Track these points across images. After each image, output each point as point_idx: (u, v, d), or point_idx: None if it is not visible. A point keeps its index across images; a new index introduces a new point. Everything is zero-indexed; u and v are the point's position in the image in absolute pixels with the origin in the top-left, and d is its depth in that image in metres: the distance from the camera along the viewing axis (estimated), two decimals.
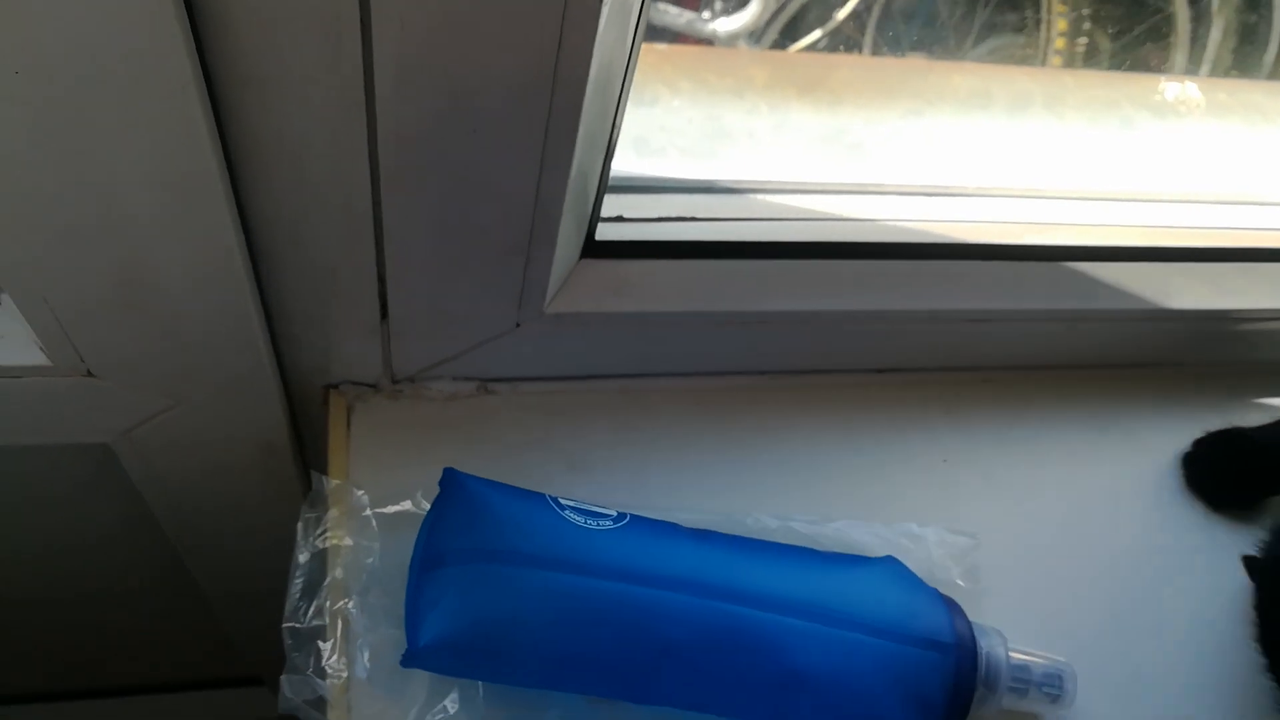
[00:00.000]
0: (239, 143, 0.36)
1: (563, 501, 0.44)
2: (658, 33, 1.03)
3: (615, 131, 0.42)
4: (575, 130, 0.37)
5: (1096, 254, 0.55)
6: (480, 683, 0.43)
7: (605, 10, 0.33)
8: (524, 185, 0.40)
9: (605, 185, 0.45)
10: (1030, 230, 0.56)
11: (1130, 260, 0.55)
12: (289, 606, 0.44)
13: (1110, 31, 1.18)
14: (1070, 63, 1.13)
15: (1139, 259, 0.55)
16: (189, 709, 1.06)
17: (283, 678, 0.41)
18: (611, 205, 0.50)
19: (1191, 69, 1.07)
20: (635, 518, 0.45)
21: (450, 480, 0.44)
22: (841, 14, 1.08)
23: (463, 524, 0.43)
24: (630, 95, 0.69)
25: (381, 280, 0.44)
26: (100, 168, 0.34)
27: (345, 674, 0.42)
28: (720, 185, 0.52)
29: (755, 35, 1.09)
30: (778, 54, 1.01)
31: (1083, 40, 1.17)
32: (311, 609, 0.44)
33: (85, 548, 0.70)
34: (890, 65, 0.89)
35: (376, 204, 0.40)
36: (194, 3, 0.31)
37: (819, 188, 0.55)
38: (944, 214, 0.55)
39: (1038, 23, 1.16)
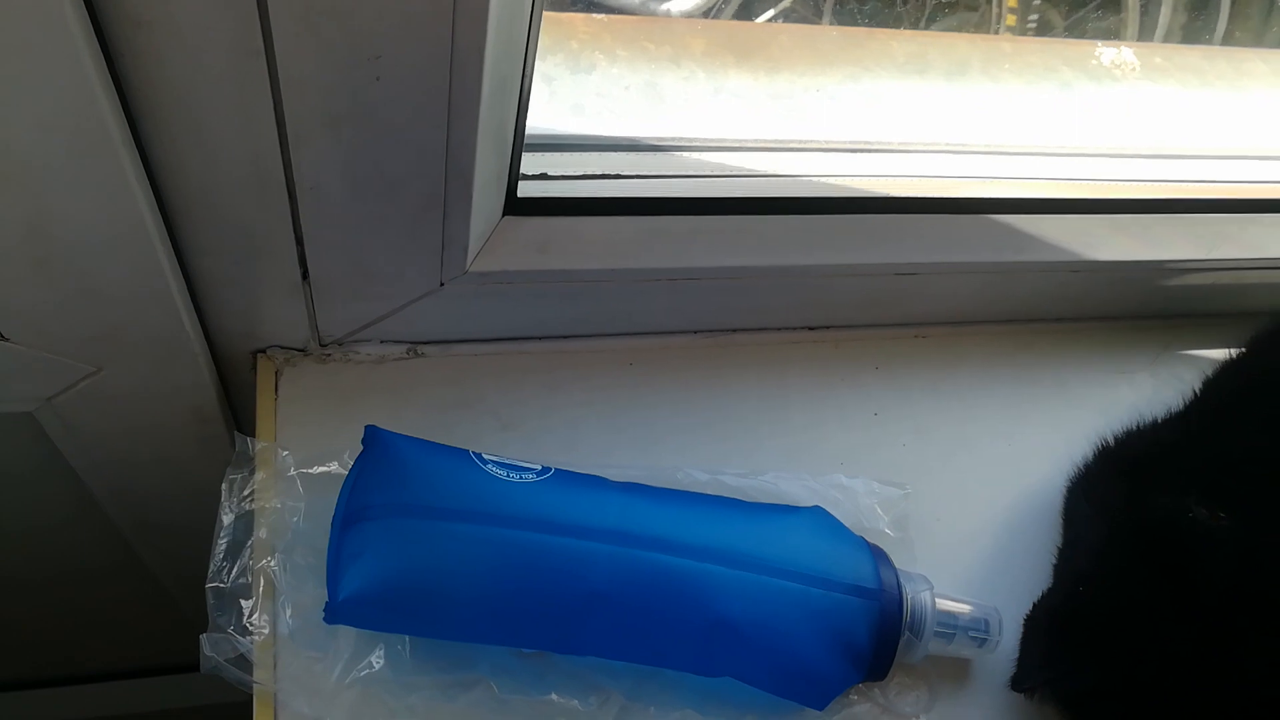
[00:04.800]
0: (138, 91, 0.36)
1: (485, 456, 0.44)
2: (608, 9, 1.02)
3: (527, 79, 0.42)
4: (480, 73, 0.37)
5: (1024, 206, 0.55)
6: (407, 638, 0.43)
7: None
8: (433, 134, 0.39)
9: (522, 137, 0.45)
10: (959, 184, 0.56)
11: (1057, 212, 0.56)
12: (212, 567, 0.44)
13: (1060, 7, 1.19)
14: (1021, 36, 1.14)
15: (1065, 211, 0.56)
16: (164, 693, 1.05)
17: (203, 636, 0.41)
18: (537, 163, 0.50)
19: (1144, 42, 1.08)
20: (560, 471, 0.45)
21: (372, 437, 0.44)
22: None
23: (384, 479, 0.43)
24: (568, 63, 0.69)
25: (299, 239, 0.44)
26: None
27: (267, 630, 0.42)
28: (646, 142, 0.52)
29: (710, 15, 1.09)
30: (717, 22, 1.00)
31: (1033, 16, 1.18)
32: (235, 568, 0.44)
33: (31, 530, 0.69)
34: (830, 33, 0.89)
35: (286, 158, 0.40)
36: None
37: (747, 145, 0.55)
38: (873, 169, 0.56)
39: None
